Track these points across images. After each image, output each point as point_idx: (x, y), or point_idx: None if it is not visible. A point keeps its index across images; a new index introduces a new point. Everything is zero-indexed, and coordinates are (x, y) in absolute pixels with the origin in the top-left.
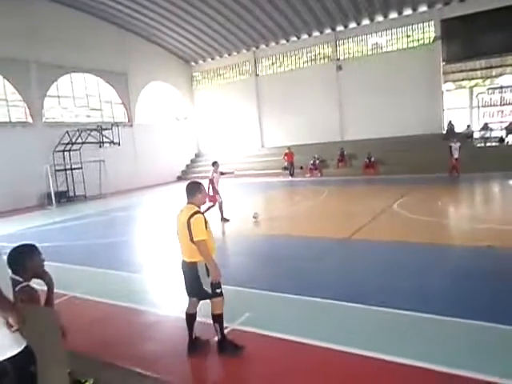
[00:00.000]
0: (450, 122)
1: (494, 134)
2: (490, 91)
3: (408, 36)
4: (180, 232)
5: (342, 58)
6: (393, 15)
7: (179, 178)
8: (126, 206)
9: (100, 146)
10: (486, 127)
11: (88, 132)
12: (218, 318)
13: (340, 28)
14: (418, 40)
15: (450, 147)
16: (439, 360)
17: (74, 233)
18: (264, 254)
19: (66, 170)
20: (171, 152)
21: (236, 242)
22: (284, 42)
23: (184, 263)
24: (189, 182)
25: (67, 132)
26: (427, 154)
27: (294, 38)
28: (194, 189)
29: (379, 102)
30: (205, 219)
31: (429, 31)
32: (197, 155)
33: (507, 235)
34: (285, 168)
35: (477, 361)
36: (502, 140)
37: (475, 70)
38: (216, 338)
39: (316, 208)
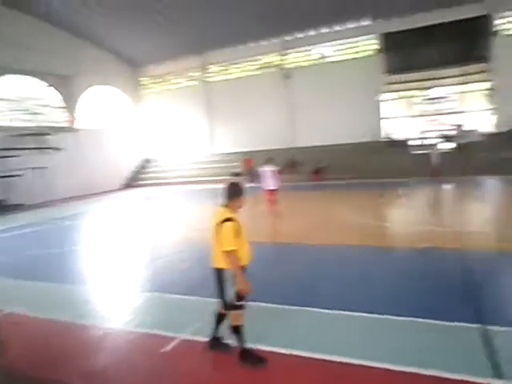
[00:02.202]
0: (391, 130)
1: (430, 141)
2: (426, 101)
3: (352, 47)
4: (213, 235)
5: (289, 66)
6: (337, 27)
7: (127, 185)
8: (70, 214)
9: (43, 152)
10: (421, 135)
11: (28, 137)
12: (236, 330)
13: (288, 37)
14: (362, 52)
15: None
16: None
17: (10, 245)
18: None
19: (2, 177)
20: (118, 158)
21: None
22: (232, 48)
23: (212, 267)
24: (230, 182)
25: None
26: (370, 161)
27: (242, 46)
28: (233, 191)
29: (326, 110)
30: (237, 225)
31: (371, 44)
32: (146, 161)
33: (443, 237)
34: (236, 174)
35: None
36: (436, 147)
37: (412, 81)
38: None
39: (261, 214)
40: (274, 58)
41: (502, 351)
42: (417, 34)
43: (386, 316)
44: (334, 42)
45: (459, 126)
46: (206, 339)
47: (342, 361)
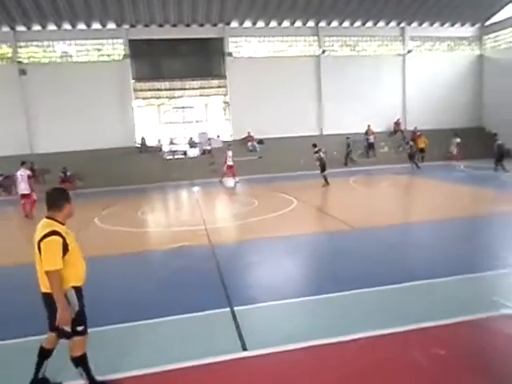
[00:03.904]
0: (143, 136)
1: (180, 147)
2: (175, 110)
3: (99, 50)
4: (35, 254)
5: (26, 61)
6: (81, 26)
7: None
8: None
9: None
10: (171, 142)
11: None
12: (79, 361)
13: (20, 28)
14: (109, 55)
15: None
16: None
17: None
18: None
19: None
20: None
21: None
22: None
23: (41, 293)
24: (52, 188)
25: None
26: (124, 167)
27: None
28: (57, 198)
29: (73, 114)
30: (67, 239)
31: (118, 48)
32: None
33: (195, 235)
34: None
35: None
36: (185, 153)
37: (161, 89)
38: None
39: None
40: (4, 50)
41: (245, 327)
42: (164, 45)
43: (154, 320)
44: (78, 42)
45: (204, 133)
46: None
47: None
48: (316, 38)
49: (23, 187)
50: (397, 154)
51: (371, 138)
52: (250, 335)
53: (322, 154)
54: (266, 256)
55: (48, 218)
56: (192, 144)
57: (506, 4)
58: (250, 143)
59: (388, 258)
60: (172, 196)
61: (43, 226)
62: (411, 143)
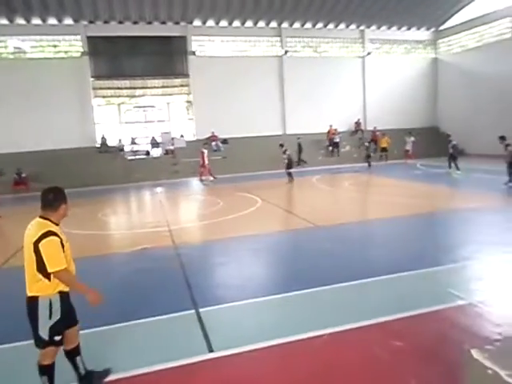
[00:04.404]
0: (103, 135)
1: (141, 147)
2: (136, 109)
3: (55, 46)
4: (25, 256)
5: None
6: (36, 21)
7: None
8: None
9: None
10: (133, 142)
11: None
12: (45, 370)
13: None
14: (66, 52)
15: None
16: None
17: None
18: None
19: None
20: None
21: None
22: None
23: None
24: (49, 188)
25: None
26: (84, 167)
27: None
28: (53, 197)
29: (29, 112)
30: (61, 242)
31: (76, 45)
32: None
33: (158, 236)
34: None
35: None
36: (148, 153)
37: (122, 88)
38: None
39: None
40: None
41: (211, 328)
42: (124, 43)
43: (117, 325)
44: (33, 37)
45: (167, 133)
46: None
47: None
48: (279, 38)
49: None
50: (358, 153)
51: (336, 138)
52: (216, 336)
53: (289, 153)
54: (230, 256)
55: (42, 217)
56: (154, 144)
57: (459, 10)
58: (214, 143)
59: (348, 254)
60: (134, 197)
61: (38, 226)
62: (366, 144)
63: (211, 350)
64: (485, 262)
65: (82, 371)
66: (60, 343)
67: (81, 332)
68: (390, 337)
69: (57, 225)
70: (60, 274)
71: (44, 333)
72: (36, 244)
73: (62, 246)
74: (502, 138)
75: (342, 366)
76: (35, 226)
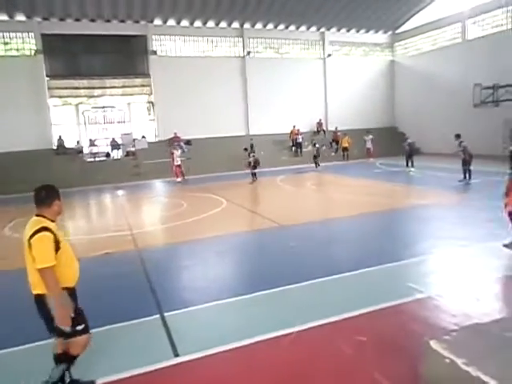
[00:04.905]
0: (60, 137)
1: (101, 149)
2: (95, 110)
3: (6, 43)
4: (25, 254)
5: None
6: None
7: None
8: None
9: None
10: (92, 143)
11: None
12: (68, 360)
13: None
14: (19, 50)
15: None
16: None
17: None
18: None
19: None
20: None
21: None
22: None
23: (33, 295)
24: (41, 185)
25: None
26: (40, 170)
27: None
28: (46, 194)
29: None
30: (58, 236)
31: (30, 43)
32: None
33: (121, 241)
34: None
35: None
36: (108, 155)
37: (79, 88)
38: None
39: None
40: None
41: (176, 332)
42: (81, 41)
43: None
44: None
45: (128, 134)
46: None
47: None
48: (241, 39)
49: None
50: (319, 153)
51: (299, 138)
52: (182, 340)
53: (254, 154)
54: (195, 258)
55: (37, 215)
56: (115, 145)
57: (414, 15)
58: (176, 144)
59: (311, 253)
60: (95, 200)
61: (33, 223)
62: (317, 145)
63: (177, 355)
64: (441, 256)
65: (68, 379)
66: (86, 331)
67: (42, 342)
68: (353, 332)
69: (53, 221)
70: (44, 271)
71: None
72: (29, 240)
73: (58, 242)
74: (458, 136)
75: (308, 363)
76: (30, 224)
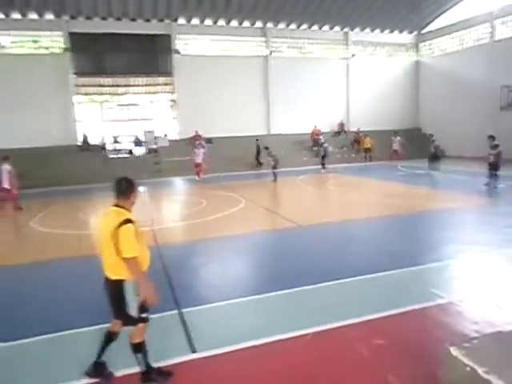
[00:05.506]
0: (85, 134)
1: (124, 146)
2: (118, 107)
3: (35, 41)
4: (103, 242)
5: None
6: (16, 16)
7: None
8: None
9: None
10: (115, 140)
11: None
12: (139, 348)
13: None
14: (47, 48)
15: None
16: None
17: None
18: None
19: None
20: None
21: None
22: None
23: (106, 281)
24: (120, 177)
25: None
26: (65, 166)
27: None
28: (126, 186)
29: (7, 109)
30: (137, 227)
31: (58, 41)
32: None
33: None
34: None
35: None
36: (130, 152)
37: (104, 86)
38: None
39: None
40: None
41: (193, 329)
42: (107, 39)
43: (101, 326)
44: (13, 32)
45: (150, 132)
46: None
47: None
48: (264, 38)
49: (5, 182)
50: (341, 154)
51: (322, 138)
52: (199, 337)
53: (274, 153)
54: (214, 256)
55: (117, 206)
56: (137, 143)
57: (440, 15)
58: (197, 142)
59: (331, 253)
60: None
61: (115, 213)
62: (325, 145)
63: (194, 351)
64: (464, 261)
65: (102, 358)
66: (147, 319)
67: (63, 333)
68: (371, 335)
69: (130, 212)
70: (131, 261)
71: (133, 311)
72: (116, 230)
73: (137, 233)
74: (493, 138)
75: (324, 364)
76: (113, 215)
